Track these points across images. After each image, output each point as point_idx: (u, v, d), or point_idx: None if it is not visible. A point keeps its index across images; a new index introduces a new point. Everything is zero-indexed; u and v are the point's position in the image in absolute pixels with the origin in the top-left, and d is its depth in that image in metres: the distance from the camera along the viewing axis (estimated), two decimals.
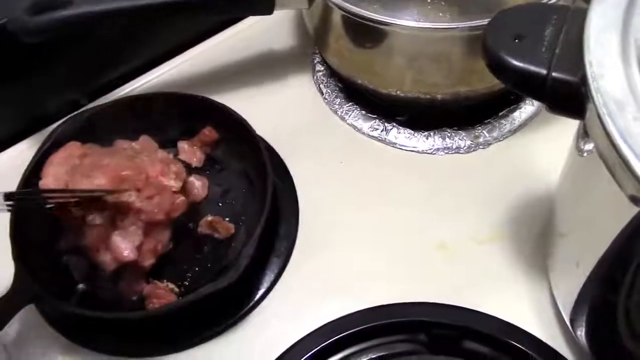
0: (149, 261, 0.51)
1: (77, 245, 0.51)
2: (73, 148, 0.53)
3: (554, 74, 0.36)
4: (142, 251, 0.50)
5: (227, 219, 0.56)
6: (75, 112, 0.59)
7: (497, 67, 0.38)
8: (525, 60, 0.37)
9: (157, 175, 0.52)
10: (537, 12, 0.39)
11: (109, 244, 0.49)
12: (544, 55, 0.37)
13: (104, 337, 0.51)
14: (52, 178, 0.51)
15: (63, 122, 0.57)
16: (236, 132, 0.58)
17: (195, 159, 0.59)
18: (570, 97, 0.35)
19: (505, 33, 0.38)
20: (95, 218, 0.49)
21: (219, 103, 0.59)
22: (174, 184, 0.54)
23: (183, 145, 0.59)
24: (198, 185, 0.57)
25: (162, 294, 0.51)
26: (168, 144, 0.59)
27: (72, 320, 0.52)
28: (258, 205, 0.54)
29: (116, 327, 0.51)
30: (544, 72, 0.36)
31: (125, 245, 0.49)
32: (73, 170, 0.51)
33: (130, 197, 0.50)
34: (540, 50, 0.37)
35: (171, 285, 0.52)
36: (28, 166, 0.54)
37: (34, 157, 0.55)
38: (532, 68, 0.36)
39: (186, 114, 0.59)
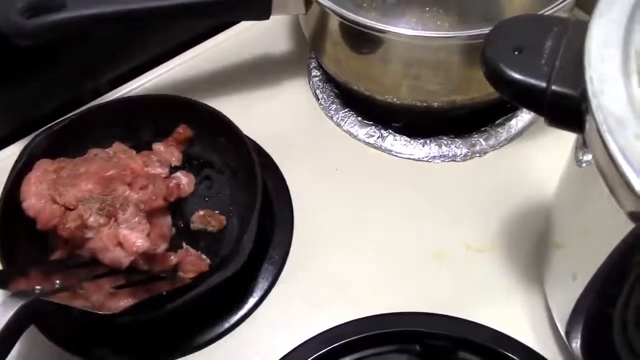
0: (162, 247, 0.51)
1: (77, 254, 0.51)
2: (45, 165, 0.53)
3: (553, 87, 0.36)
4: (152, 238, 0.50)
5: (217, 212, 0.56)
6: (44, 127, 0.59)
7: (496, 79, 0.38)
8: (525, 72, 0.37)
9: (141, 168, 0.53)
10: (537, 24, 0.39)
11: (119, 240, 0.48)
12: (543, 67, 0.36)
13: (103, 347, 0.51)
14: (34, 198, 0.50)
15: (34, 138, 0.56)
16: (211, 125, 0.57)
17: (174, 158, 0.58)
18: (569, 111, 0.35)
19: (504, 45, 0.38)
20: (97, 219, 0.48)
21: (190, 99, 0.58)
22: (162, 170, 0.55)
23: (158, 146, 0.59)
24: (185, 181, 0.57)
25: (195, 261, 0.51)
26: (142, 148, 0.58)
27: (73, 332, 0.51)
28: (246, 194, 0.54)
29: (112, 334, 0.51)
30: (544, 85, 0.36)
31: (136, 236, 0.48)
32: (54, 184, 0.51)
33: (125, 192, 0.50)
34: (539, 63, 0.37)
35: (203, 256, 0.53)
36: (4, 187, 0.53)
37: (8, 178, 0.54)
38: (532, 81, 0.36)
39: (157, 115, 0.59)
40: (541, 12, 0.49)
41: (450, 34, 0.50)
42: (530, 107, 0.38)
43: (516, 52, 0.38)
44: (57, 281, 0.47)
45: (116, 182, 0.51)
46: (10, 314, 0.42)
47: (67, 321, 0.51)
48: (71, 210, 0.50)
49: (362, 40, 0.54)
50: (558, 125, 0.37)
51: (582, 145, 0.39)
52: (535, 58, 0.37)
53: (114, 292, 0.47)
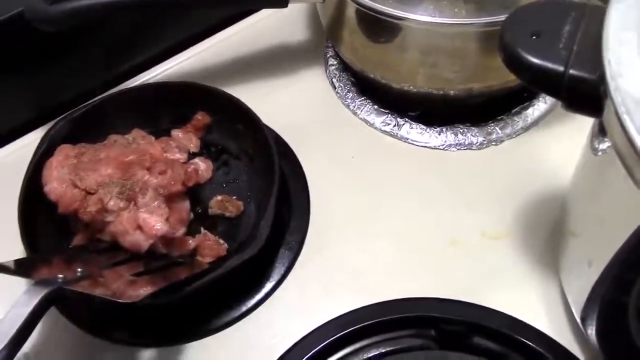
0: (180, 231, 0.52)
1: (97, 238, 0.51)
2: (67, 150, 0.54)
3: (571, 71, 0.36)
4: (171, 222, 0.50)
5: (234, 197, 0.56)
6: (65, 114, 0.60)
7: (514, 64, 0.38)
8: (543, 57, 0.37)
9: (160, 153, 0.54)
10: (555, 9, 0.39)
11: (138, 223, 0.49)
12: (561, 52, 0.36)
13: (122, 330, 0.52)
14: (56, 182, 0.51)
15: (55, 124, 0.57)
16: (229, 112, 0.58)
17: (192, 145, 0.59)
18: (587, 95, 0.35)
19: (522, 30, 0.38)
20: (117, 203, 0.49)
21: (208, 86, 0.59)
22: (180, 156, 0.56)
23: (177, 133, 0.59)
24: (202, 167, 0.57)
25: (213, 246, 0.52)
26: (160, 135, 0.58)
27: (92, 315, 0.52)
28: (263, 180, 0.55)
29: (131, 317, 0.52)
30: (561, 69, 0.36)
31: (155, 219, 0.49)
32: (75, 169, 0.51)
33: (144, 177, 0.51)
34: (557, 47, 0.37)
35: (221, 241, 0.54)
36: (27, 171, 0.54)
37: (30, 163, 0.55)
38: (550, 65, 0.36)
39: (175, 102, 0.60)
40: None
41: (469, 20, 0.50)
42: (548, 92, 0.38)
43: (534, 37, 0.38)
44: (79, 269, 0.47)
45: (135, 167, 0.51)
46: (34, 302, 0.42)
47: (87, 304, 0.52)
48: (92, 194, 0.50)
49: (379, 27, 0.55)
50: (576, 110, 0.37)
51: (598, 134, 0.39)
52: (554, 43, 0.37)
53: (133, 280, 0.48)
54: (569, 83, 0.36)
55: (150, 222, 0.49)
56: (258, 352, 0.50)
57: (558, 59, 0.36)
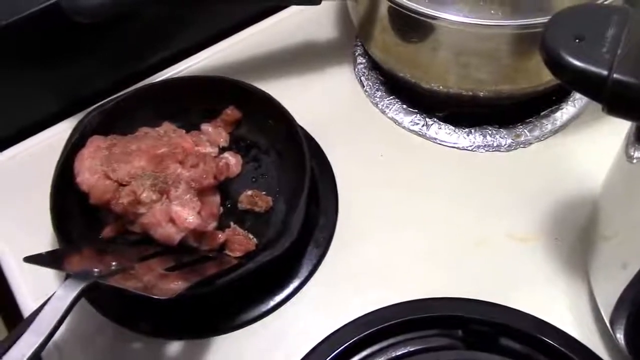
0: (211, 224, 0.52)
1: (128, 230, 0.52)
2: (98, 141, 0.54)
3: (615, 75, 0.35)
4: (202, 216, 0.51)
5: (264, 193, 0.56)
6: (96, 105, 0.60)
7: (556, 66, 0.38)
8: (586, 60, 0.36)
9: (192, 147, 0.54)
10: (598, 13, 0.38)
11: (171, 216, 0.49)
12: (605, 56, 0.36)
13: (148, 321, 0.52)
14: (88, 173, 0.51)
15: (87, 115, 0.58)
16: (259, 107, 0.58)
17: (222, 139, 0.59)
18: (631, 99, 0.35)
19: (565, 32, 0.38)
20: (150, 195, 0.49)
21: (239, 81, 0.59)
22: (212, 149, 0.56)
23: (207, 127, 0.59)
24: (232, 162, 0.58)
25: (242, 240, 0.52)
26: (189, 129, 0.58)
27: (119, 304, 0.53)
28: (292, 176, 0.55)
29: (157, 310, 0.52)
30: (605, 73, 0.36)
31: (187, 212, 0.49)
32: (107, 160, 0.52)
33: (177, 170, 0.51)
34: (601, 51, 0.36)
35: (250, 235, 0.54)
36: (58, 162, 0.54)
37: (62, 153, 0.55)
38: (593, 69, 0.36)
39: (206, 96, 0.60)
40: (601, 2, 0.49)
41: (505, 22, 0.50)
42: (590, 95, 0.38)
43: (577, 40, 0.37)
44: (113, 263, 0.47)
45: (168, 160, 0.52)
46: (72, 296, 0.42)
47: (115, 294, 0.52)
48: (124, 186, 0.50)
49: (412, 26, 0.55)
50: (617, 114, 0.37)
51: (635, 142, 0.39)
52: (597, 46, 0.37)
53: (164, 274, 0.47)
54: (613, 87, 0.35)
55: (182, 214, 0.49)
56: (285, 348, 0.50)
57: (602, 62, 0.36)
